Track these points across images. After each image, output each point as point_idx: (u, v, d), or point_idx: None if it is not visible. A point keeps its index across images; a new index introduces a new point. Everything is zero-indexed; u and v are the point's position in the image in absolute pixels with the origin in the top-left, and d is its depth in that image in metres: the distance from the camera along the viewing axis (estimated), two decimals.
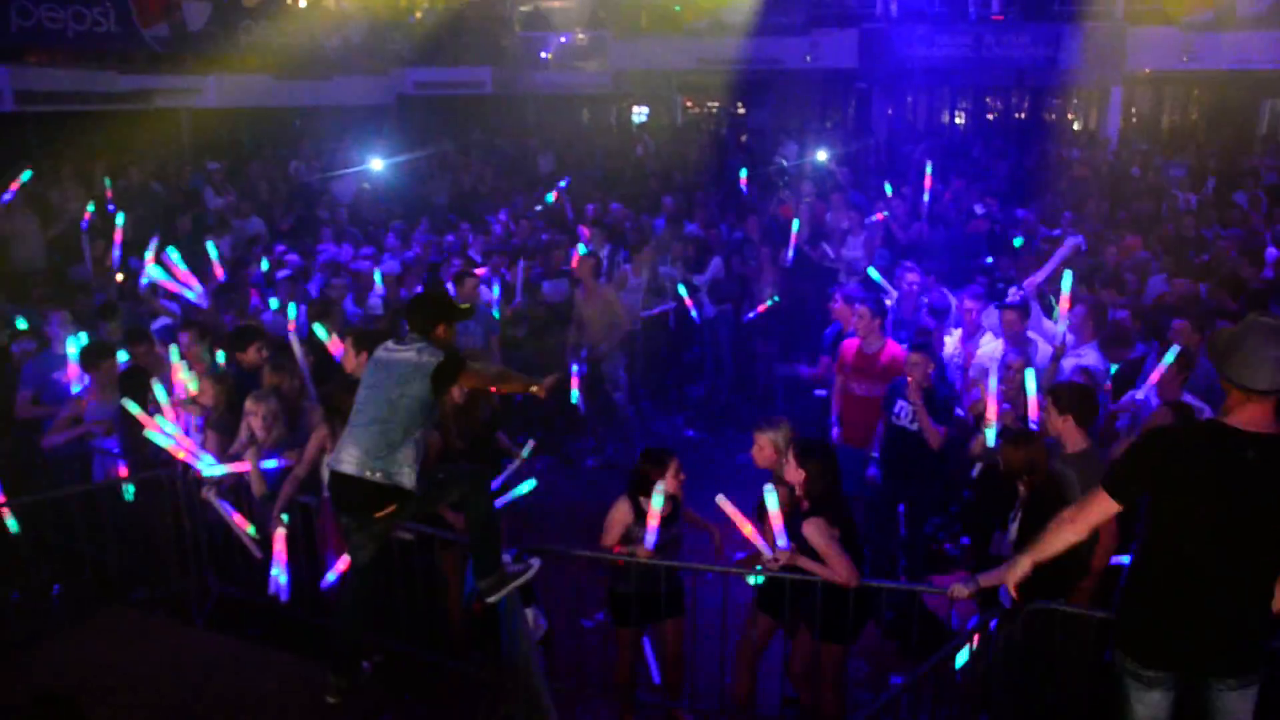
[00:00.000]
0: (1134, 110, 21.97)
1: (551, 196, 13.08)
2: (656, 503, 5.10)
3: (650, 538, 5.15)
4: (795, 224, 10.28)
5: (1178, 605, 3.59)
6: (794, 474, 5.18)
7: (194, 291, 8.32)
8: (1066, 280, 6.87)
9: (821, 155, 15.20)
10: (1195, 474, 3.48)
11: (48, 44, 14.10)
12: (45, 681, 5.00)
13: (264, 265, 10.05)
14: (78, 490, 6.39)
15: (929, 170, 11.74)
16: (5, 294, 9.05)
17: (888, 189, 11.73)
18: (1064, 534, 3.77)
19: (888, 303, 8.06)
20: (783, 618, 5.41)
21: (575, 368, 7.80)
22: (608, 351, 9.23)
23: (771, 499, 4.97)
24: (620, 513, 5.34)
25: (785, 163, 16.04)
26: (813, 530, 5.00)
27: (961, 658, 4.75)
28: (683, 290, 10.06)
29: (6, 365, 7.68)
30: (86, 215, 10.44)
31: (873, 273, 8.88)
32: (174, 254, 8.51)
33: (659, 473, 5.22)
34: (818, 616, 5.14)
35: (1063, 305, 6.76)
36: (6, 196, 10.59)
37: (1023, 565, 3.91)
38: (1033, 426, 5.75)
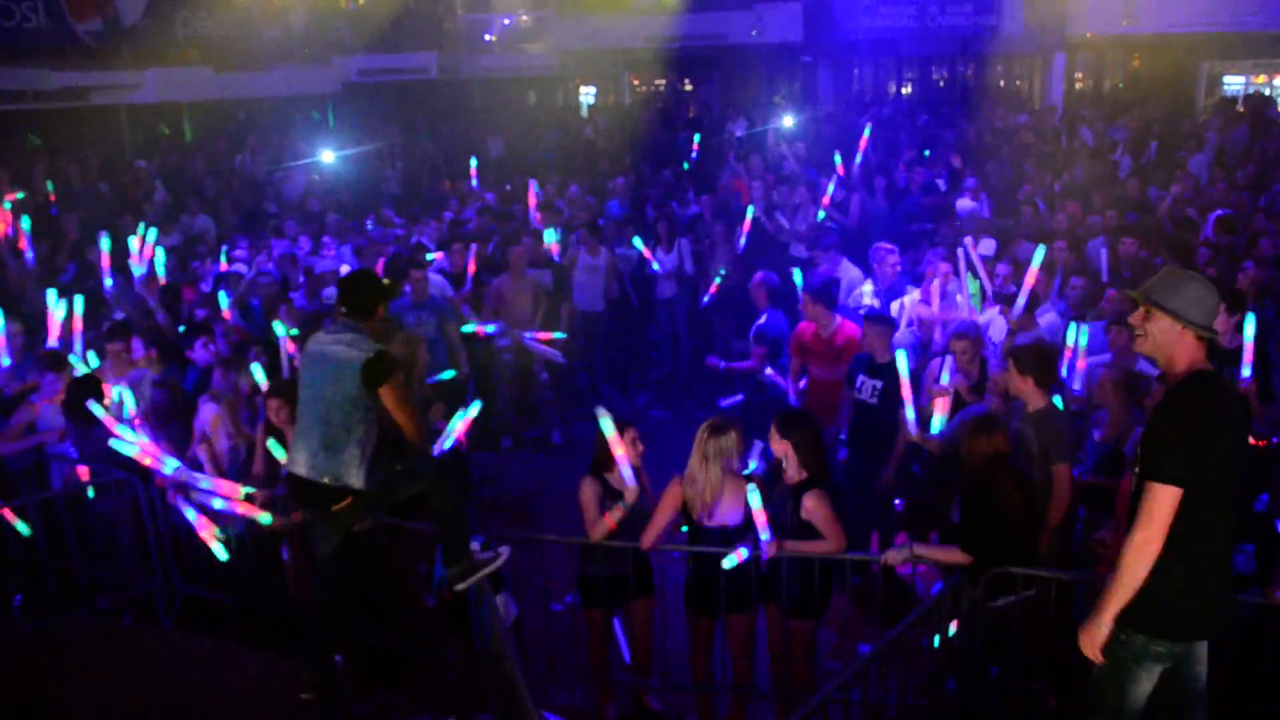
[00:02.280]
0: (1077, 76, 22.23)
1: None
2: (755, 502, 5.02)
3: (628, 473, 5.19)
4: (750, 210, 10.22)
5: (1203, 570, 3.50)
6: (778, 446, 5.23)
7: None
8: (1039, 255, 6.93)
9: (788, 121, 15.19)
10: (1219, 432, 3.44)
11: None
12: (13, 694, 4.95)
13: (221, 260, 9.99)
14: (37, 498, 6.30)
15: (867, 134, 11.89)
16: None
17: (836, 159, 11.78)
18: (1144, 559, 3.43)
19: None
20: (717, 612, 5.40)
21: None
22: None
23: (755, 498, 5.01)
24: (589, 493, 5.35)
25: (737, 135, 16.04)
26: (814, 502, 5.06)
27: (950, 631, 4.86)
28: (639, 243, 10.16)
29: None
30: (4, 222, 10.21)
31: (797, 276, 8.63)
32: (105, 244, 8.47)
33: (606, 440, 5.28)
34: (784, 594, 5.21)
35: (1029, 278, 6.77)
36: None
37: (1104, 621, 3.54)
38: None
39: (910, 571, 6.10)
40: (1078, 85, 21.76)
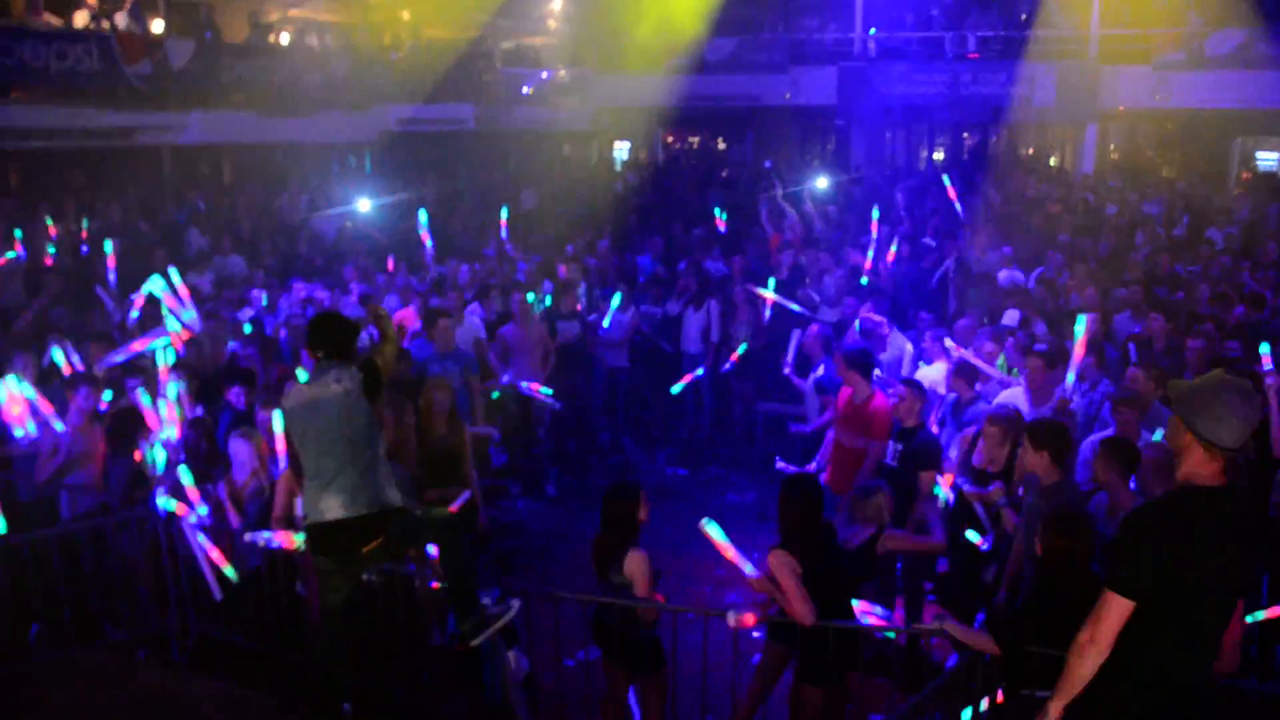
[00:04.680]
0: (1111, 147, 22.31)
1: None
2: (716, 534, 5.08)
3: (749, 569, 5.20)
4: (771, 282, 10.21)
5: (1150, 688, 3.47)
6: (780, 505, 5.25)
7: (188, 313, 8.28)
8: (1080, 324, 6.80)
9: (821, 183, 15.25)
10: (1192, 547, 3.35)
11: (30, 81, 14.13)
12: None
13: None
14: (56, 531, 6.37)
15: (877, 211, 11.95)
16: None
17: (875, 213, 11.86)
18: (1088, 660, 3.44)
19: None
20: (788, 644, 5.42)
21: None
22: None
23: (713, 529, 5.05)
24: (646, 563, 5.27)
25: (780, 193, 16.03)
26: (774, 562, 5.05)
27: (966, 714, 4.79)
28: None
29: None
30: (47, 259, 10.44)
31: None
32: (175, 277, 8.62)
33: (638, 507, 5.27)
34: (800, 655, 5.18)
35: (1077, 352, 6.69)
36: None
37: (1052, 715, 3.55)
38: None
39: (925, 641, 6.05)
40: (1111, 156, 21.83)
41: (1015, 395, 7.17)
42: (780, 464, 7.61)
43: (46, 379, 7.66)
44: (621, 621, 5.28)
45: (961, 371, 7.38)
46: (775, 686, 5.53)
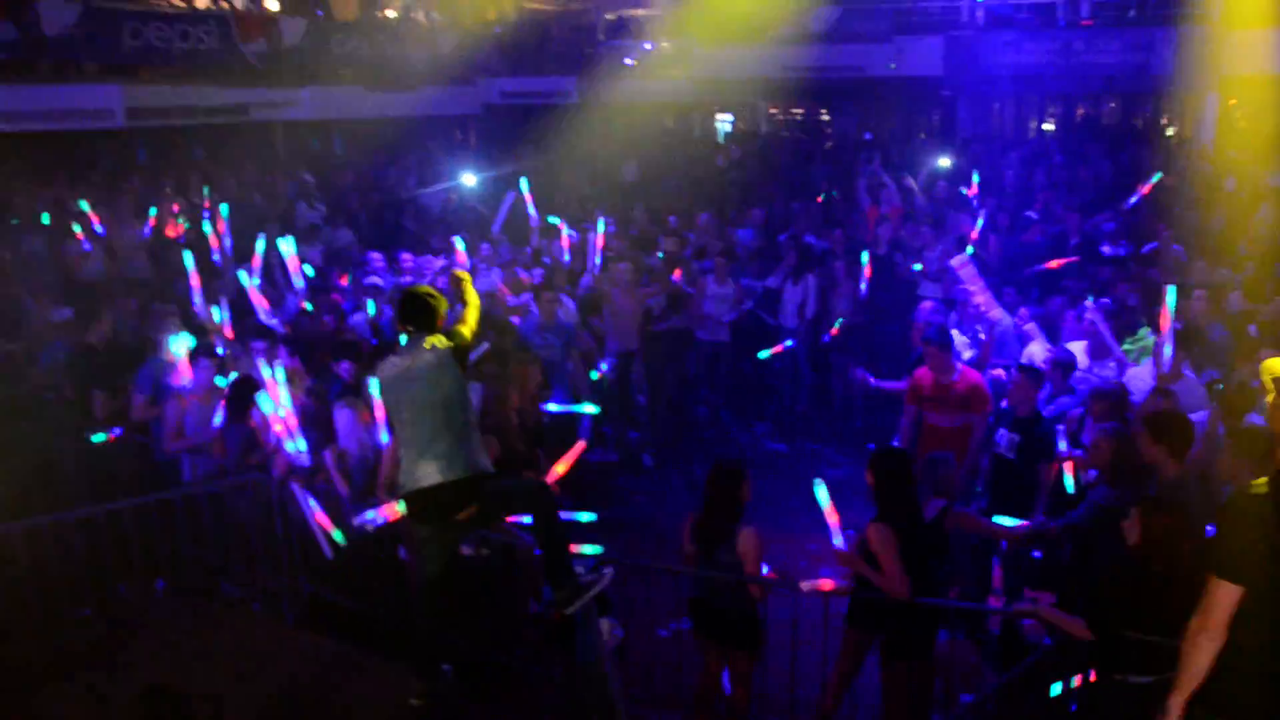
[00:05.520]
0: (1235, 116, 21.33)
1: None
2: (823, 499, 5.19)
3: (839, 540, 5.29)
4: (864, 255, 10.15)
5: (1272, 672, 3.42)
6: (869, 478, 5.28)
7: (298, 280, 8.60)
8: (1171, 295, 6.61)
9: (944, 162, 14.96)
10: None
11: (155, 61, 14.74)
12: (151, 672, 5.30)
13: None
14: (179, 493, 6.74)
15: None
16: (119, 302, 9.47)
17: (973, 179, 11.63)
18: (1202, 649, 3.40)
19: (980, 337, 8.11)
20: (867, 629, 5.47)
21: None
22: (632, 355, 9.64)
23: (821, 491, 5.10)
24: (758, 541, 5.36)
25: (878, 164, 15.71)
26: (875, 535, 5.13)
27: (1055, 689, 4.77)
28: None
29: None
30: (180, 229, 10.94)
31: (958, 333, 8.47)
32: (292, 244, 9.02)
33: (744, 486, 5.34)
34: (886, 631, 5.22)
35: (1164, 322, 6.55)
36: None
37: (1173, 711, 3.50)
38: None
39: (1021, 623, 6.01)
40: (1234, 126, 20.88)
41: (1142, 375, 6.99)
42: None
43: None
44: (726, 598, 5.39)
45: (1060, 362, 7.24)
46: (859, 673, 5.58)
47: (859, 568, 5.16)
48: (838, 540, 5.15)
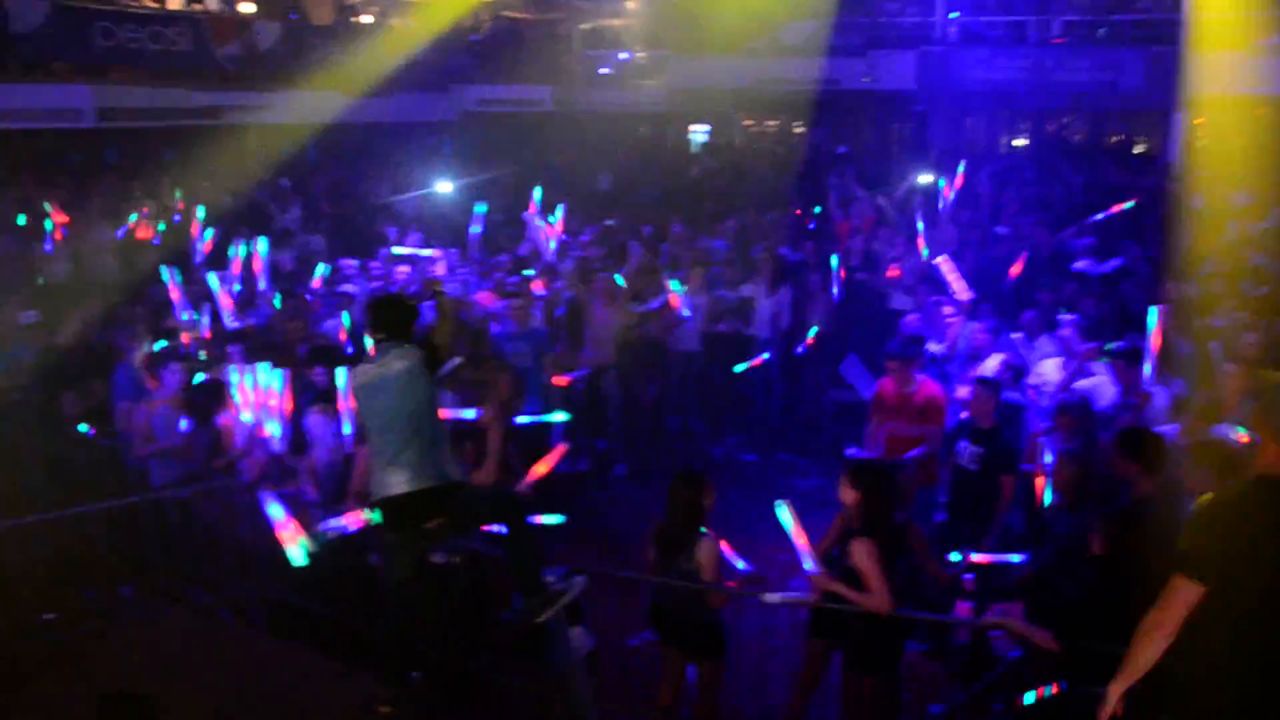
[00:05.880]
0: (1198, 135, 21.63)
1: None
2: (787, 521, 5.17)
3: (809, 564, 5.23)
4: (834, 260, 10.23)
5: (1249, 679, 3.44)
6: (847, 495, 5.28)
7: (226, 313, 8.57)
8: (1152, 317, 6.67)
9: (924, 179, 15.01)
10: (1262, 537, 3.34)
11: (127, 62, 14.63)
12: (115, 677, 5.25)
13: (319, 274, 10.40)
14: (149, 497, 6.68)
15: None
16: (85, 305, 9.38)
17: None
18: (1153, 643, 3.45)
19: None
20: (831, 639, 5.48)
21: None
22: (606, 366, 9.63)
23: (784, 514, 5.10)
24: (717, 549, 5.35)
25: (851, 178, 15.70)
26: (859, 551, 5.07)
27: (1029, 697, 4.80)
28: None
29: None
30: (152, 231, 10.89)
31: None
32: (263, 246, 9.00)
33: (706, 494, 5.35)
34: (850, 644, 5.23)
35: (1153, 344, 6.59)
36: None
37: (1112, 696, 3.59)
38: None
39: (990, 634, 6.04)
40: (1199, 144, 21.17)
41: (1098, 384, 7.07)
42: (851, 451, 7.67)
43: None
44: (685, 606, 5.36)
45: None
46: (822, 679, 5.59)
47: (837, 589, 5.12)
48: (808, 565, 5.13)
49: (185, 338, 8.22)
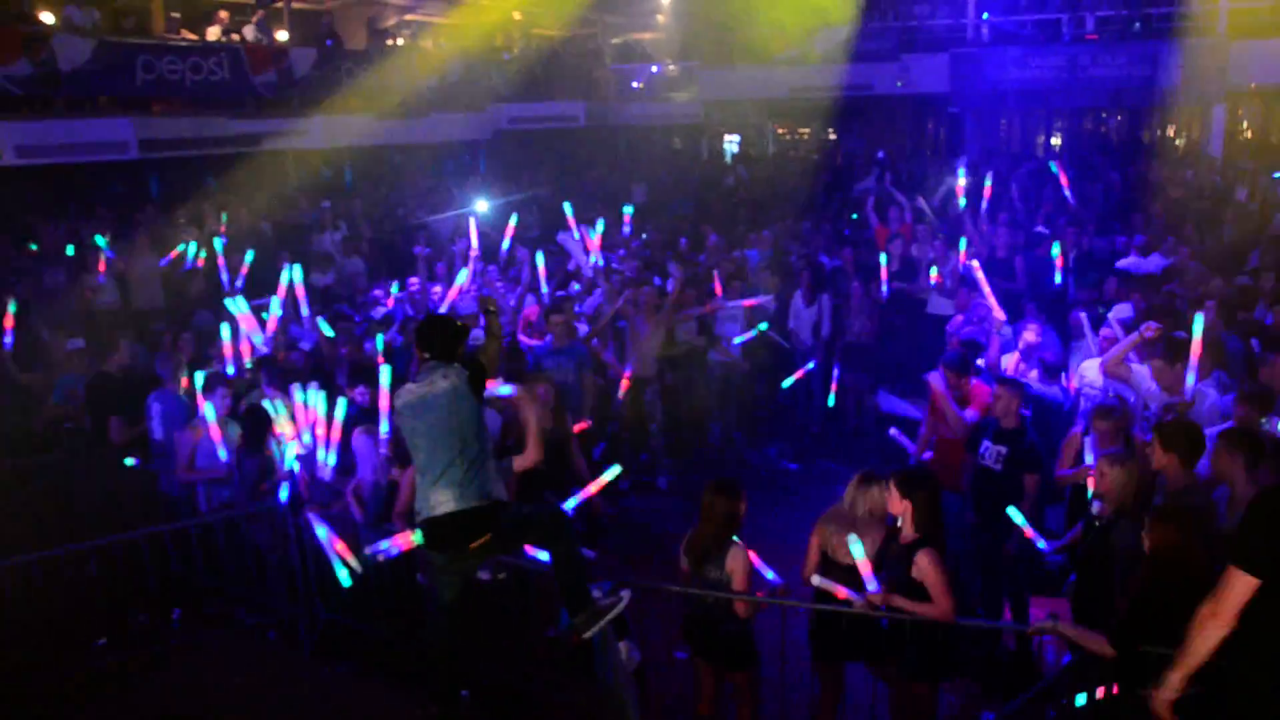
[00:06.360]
0: (1243, 127, 21.33)
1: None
2: (857, 552, 5.08)
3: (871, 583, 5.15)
4: (883, 258, 10.25)
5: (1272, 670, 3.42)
6: (897, 506, 5.22)
7: (259, 335, 8.67)
8: (1198, 324, 6.44)
9: (961, 180, 14.96)
10: None
11: (168, 94, 14.90)
12: (165, 702, 5.32)
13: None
14: (194, 522, 6.77)
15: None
16: (132, 333, 9.54)
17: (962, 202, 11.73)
18: (1211, 632, 3.45)
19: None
20: (842, 655, 5.45)
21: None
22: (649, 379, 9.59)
23: (857, 548, 5.03)
24: (748, 557, 5.32)
25: (886, 182, 15.65)
26: (927, 562, 5.02)
27: (1080, 699, 4.73)
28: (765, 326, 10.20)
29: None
30: (200, 261, 11.11)
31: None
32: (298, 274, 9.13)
33: (738, 503, 5.32)
34: (904, 653, 5.18)
35: (1194, 351, 6.39)
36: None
37: (1172, 684, 3.59)
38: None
39: (1039, 640, 5.97)
40: (1242, 137, 20.88)
41: (1142, 375, 6.93)
42: (893, 432, 7.68)
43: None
44: (714, 617, 5.34)
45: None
46: (840, 696, 5.56)
47: (900, 604, 5.05)
48: (871, 585, 5.08)
49: (232, 356, 8.30)
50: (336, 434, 6.92)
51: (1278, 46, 18.12)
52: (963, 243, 10.43)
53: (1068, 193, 12.80)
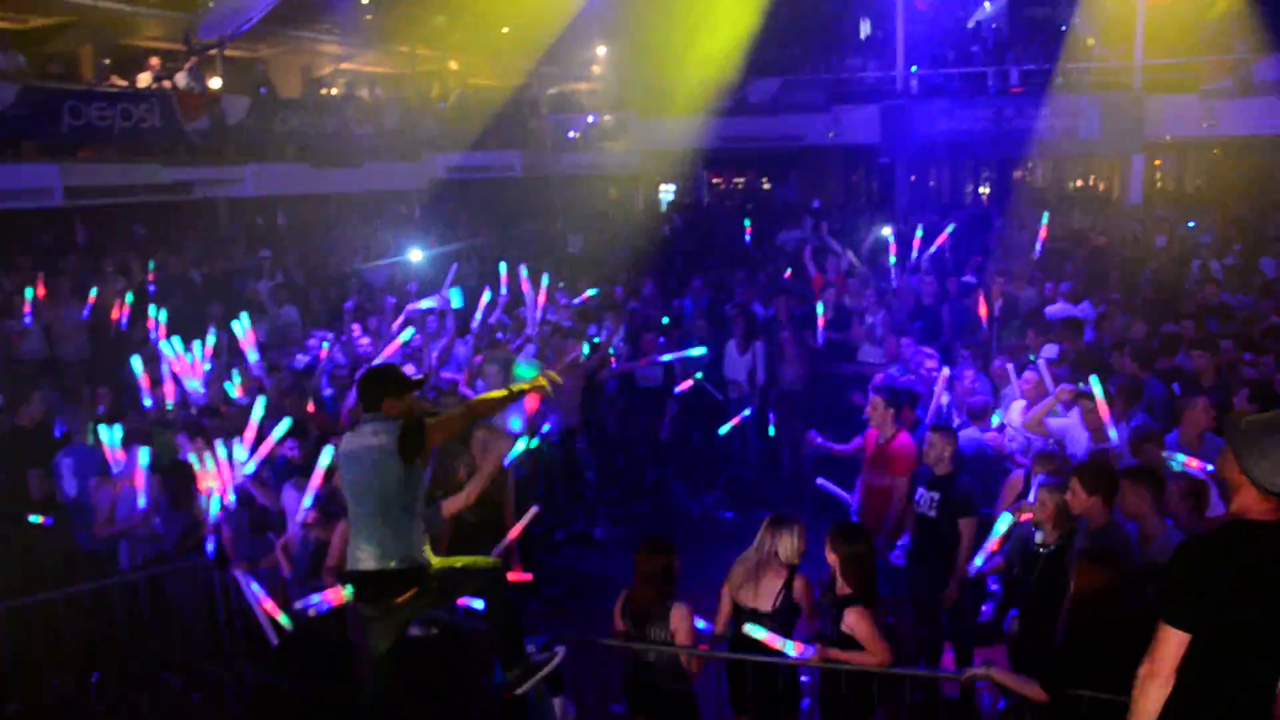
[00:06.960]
0: (1157, 177, 22.08)
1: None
2: (760, 634, 5.06)
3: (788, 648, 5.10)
4: (820, 307, 10.34)
5: None
6: (830, 556, 5.23)
7: (195, 381, 8.50)
8: (1095, 384, 6.64)
9: (885, 231, 15.14)
10: (1242, 581, 3.29)
11: (96, 140, 14.65)
12: None
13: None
14: (115, 580, 6.56)
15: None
16: (52, 383, 9.29)
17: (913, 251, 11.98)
18: (1153, 691, 3.40)
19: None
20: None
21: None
22: (576, 428, 9.50)
23: (756, 632, 5.04)
24: (690, 615, 5.28)
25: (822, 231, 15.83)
26: (856, 618, 5.01)
27: None
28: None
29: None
30: (125, 309, 10.86)
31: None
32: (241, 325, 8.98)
33: (672, 560, 5.29)
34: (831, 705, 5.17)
35: (1102, 410, 6.59)
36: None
37: None
38: None
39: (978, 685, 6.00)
40: (1159, 186, 21.61)
41: (1068, 427, 7.08)
42: (821, 482, 7.67)
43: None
44: (658, 678, 5.27)
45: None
46: None
47: (834, 657, 5.04)
48: (792, 651, 5.06)
49: (150, 389, 8.13)
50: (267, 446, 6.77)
51: (1190, 101, 18.89)
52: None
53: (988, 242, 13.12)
